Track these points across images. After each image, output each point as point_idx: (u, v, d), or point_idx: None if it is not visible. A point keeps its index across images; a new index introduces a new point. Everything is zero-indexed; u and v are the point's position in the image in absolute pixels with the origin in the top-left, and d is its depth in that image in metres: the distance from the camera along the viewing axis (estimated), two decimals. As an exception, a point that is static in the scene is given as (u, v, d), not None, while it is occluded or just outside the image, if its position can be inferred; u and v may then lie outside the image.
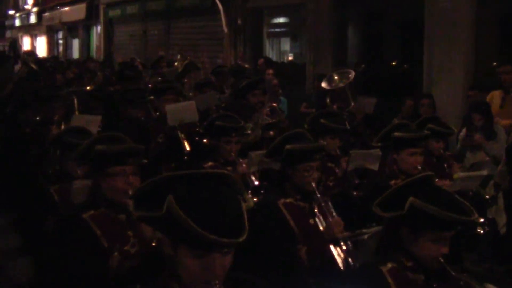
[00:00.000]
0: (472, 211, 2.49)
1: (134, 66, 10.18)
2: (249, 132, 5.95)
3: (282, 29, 14.99)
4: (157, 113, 6.54)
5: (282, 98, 9.09)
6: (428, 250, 2.53)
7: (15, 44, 33.65)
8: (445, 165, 5.07)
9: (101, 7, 21.60)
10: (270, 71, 9.67)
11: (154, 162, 5.63)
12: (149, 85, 8.51)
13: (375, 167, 4.79)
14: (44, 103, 5.96)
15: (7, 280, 5.46)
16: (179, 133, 5.75)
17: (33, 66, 8.32)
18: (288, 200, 3.75)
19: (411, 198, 2.49)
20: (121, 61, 13.13)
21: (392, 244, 2.65)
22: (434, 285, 2.60)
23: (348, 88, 7.03)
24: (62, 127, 5.65)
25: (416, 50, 9.75)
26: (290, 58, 14.72)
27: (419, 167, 4.30)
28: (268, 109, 6.39)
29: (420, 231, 2.53)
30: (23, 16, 33.33)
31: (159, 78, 8.95)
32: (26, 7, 32.09)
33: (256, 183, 4.49)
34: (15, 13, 34.83)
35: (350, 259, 3.48)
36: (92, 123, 5.41)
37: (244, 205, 2.00)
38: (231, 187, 2.06)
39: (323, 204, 3.67)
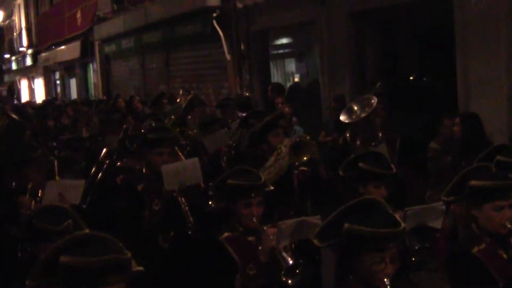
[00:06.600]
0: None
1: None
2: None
3: (286, 50, 14.11)
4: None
5: (297, 127, 8.19)
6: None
7: (13, 88, 33.30)
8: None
9: (96, 43, 20.88)
10: (279, 99, 8.64)
11: (151, 235, 4.71)
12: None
13: (437, 224, 3.91)
14: (15, 169, 4.88)
15: None
16: (180, 199, 4.70)
17: (14, 115, 7.28)
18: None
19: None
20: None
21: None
22: None
23: (373, 116, 6.29)
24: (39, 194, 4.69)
25: (441, 60, 8.84)
26: (296, 80, 13.92)
27: (509, 226, 3.20)
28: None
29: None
30: (19, 59, 32.96)
31: (153, 124, 7.63)
32: (21, 49, 31.61)
33: (291, 262, 3.48)
34: (10, 56, 34.55)
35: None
36: (73, 189, 4.58)
37: None
38: None
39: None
